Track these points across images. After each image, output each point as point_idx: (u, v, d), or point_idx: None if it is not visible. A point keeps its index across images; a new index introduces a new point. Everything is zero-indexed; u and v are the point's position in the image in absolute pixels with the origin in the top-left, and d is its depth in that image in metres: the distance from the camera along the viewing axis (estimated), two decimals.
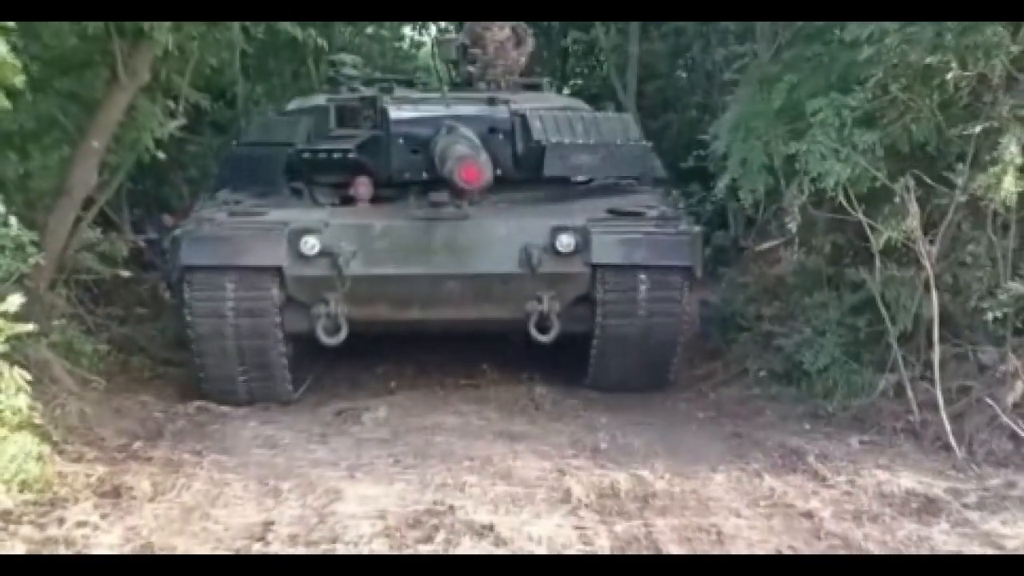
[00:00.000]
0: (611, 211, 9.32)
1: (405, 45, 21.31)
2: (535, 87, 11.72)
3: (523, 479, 6.98)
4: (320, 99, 10.70)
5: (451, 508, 6.32)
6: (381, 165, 9.78)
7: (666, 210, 9.46)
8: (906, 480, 6.70)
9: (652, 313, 9.04)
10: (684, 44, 16.67)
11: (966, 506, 6.27)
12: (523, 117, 9.97)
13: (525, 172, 9.84)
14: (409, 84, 11.85)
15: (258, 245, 8.89)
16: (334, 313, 8.95)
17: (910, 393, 7.62)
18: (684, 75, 17.51)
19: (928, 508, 6.26)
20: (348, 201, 9.62)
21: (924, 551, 5.65)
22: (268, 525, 6.14)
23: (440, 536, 5.90)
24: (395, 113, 9.93)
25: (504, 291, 9.06)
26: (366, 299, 8.97)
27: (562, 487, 6.78)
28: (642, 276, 9.00)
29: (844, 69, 7.71)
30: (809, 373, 8.63)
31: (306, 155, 9.80)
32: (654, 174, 10.33)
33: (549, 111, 10.20)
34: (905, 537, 5.84)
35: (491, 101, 10.26)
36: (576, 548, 5.77)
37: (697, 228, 9.53)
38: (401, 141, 9.80)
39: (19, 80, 7.22)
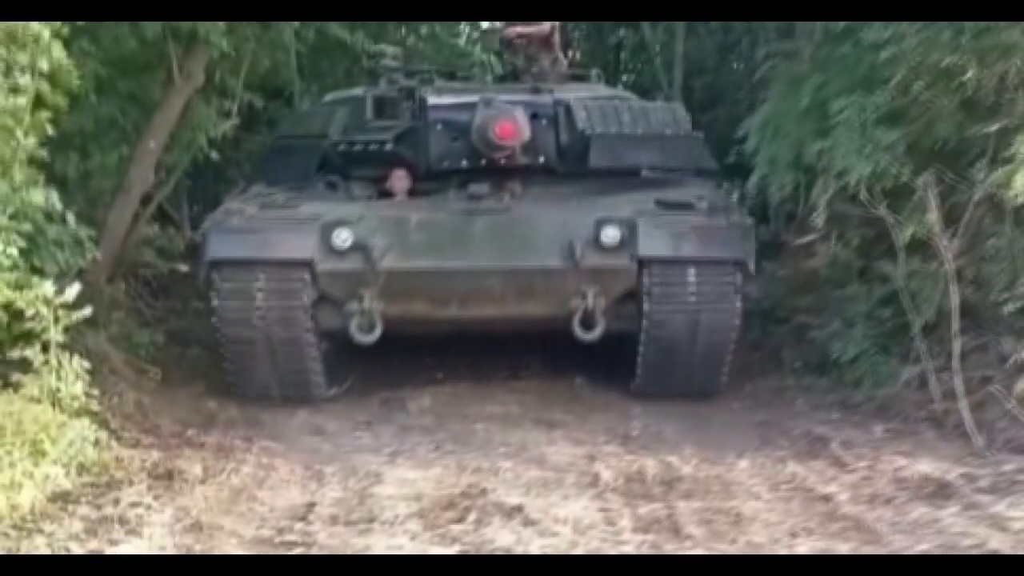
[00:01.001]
0: (659, 202, 8.96)
1: (462, 42, 21.39)
2: (583, 78, 11.16)
3: (555, 464, 7.27)
4: (357, 91, 10.44)
5: (484, 491, 6.59)
6: (420, 156, 9.51)
7: (717, 201, 9.11)
8: (923, 466, 6.87)
9: (702, 309, 8.62)
10: (732, 40, 16.74)
11: (978, 490, 6.42)
12: (568, 106, 9.66)
13: (570, 164, 9.59)
14: (451, 76, 11.26)
15: (288, 238, 8.63)
16: (368, 310, 8.64)
17: (933, 383, 7.83)
18: (736, 67, 17.55)
19: (941, 492, 6.43)
20: (385, 195, 9.43)
21: (933, 532, 5.84)
22: (310, 506, 6.46)
23: (472, 517, 6.17)
24: (434, 99, 9.64)
25: (546, 287, 8.71)
26: (402, 295, 8.65)
27: (591, 472, 7.06)
28: (691, 269, 8.61)
29: (868, 69, 7.88)
30: (840, 364, 8.80)
31: (342, 147, 9.66)
32: (705, 165, 10.09)
33: (595, 101, 9.91)
34: (916, 519, 6.02)
35: (535, 90, 9.94)
36: (600, 529, 6.02)
37: (750, 220, 9.09)
38: (440, 127, 9.50)
39: (75, 79, 7.52)
